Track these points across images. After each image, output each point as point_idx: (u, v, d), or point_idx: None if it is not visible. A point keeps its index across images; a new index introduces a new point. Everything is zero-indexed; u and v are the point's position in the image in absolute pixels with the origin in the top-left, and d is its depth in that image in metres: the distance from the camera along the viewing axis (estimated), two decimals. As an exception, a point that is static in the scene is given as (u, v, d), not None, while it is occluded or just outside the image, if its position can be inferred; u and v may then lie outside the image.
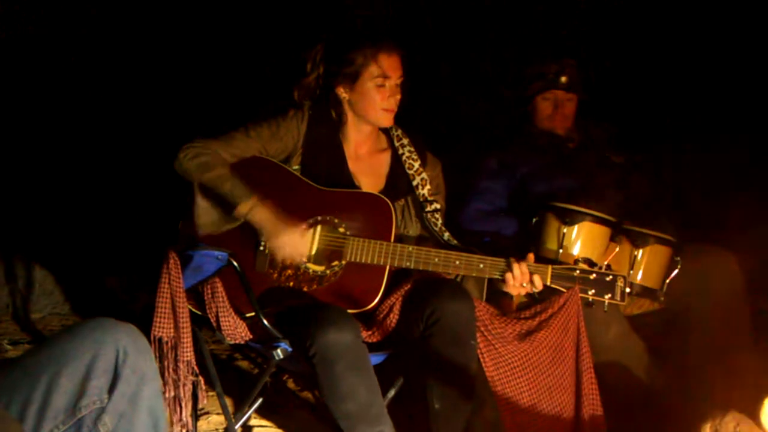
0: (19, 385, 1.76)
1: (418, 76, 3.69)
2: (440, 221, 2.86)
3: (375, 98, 2.80)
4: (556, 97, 3.26)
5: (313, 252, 2.72)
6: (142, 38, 3.94)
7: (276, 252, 2.68)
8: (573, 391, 2.66)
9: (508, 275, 2.63)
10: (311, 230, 2.72)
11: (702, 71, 3.75)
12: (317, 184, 2.78)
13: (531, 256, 2.67)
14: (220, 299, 2.57)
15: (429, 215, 2.86)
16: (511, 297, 2.71)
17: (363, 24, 3.41)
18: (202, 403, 2.54)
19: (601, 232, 2.84)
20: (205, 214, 2.70)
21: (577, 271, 2.66)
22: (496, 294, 2.73)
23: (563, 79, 3.24)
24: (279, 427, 2.93)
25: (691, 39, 3.75)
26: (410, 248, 2.68)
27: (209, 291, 2.58)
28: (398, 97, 2.81)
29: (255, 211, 2.66)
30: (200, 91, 3.96)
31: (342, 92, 2.84)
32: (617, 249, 2.89)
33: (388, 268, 2.68)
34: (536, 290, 2.65)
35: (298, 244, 2.67)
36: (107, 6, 3.90)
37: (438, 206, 2.88)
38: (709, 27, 3.69)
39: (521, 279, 2.62)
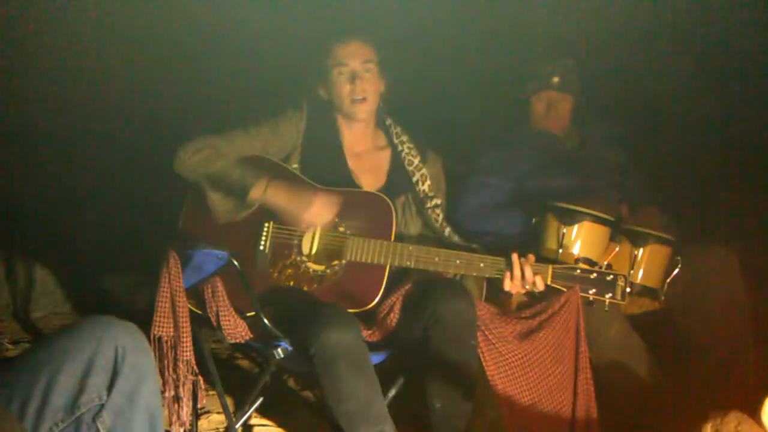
0: (18, 382, 1.77)
1: (418, 77, 3.71)
2: (441, 217, 2.87)
3: (338, 89, 2.83)
4: (550, 97, 3.27)
5: (314, 251, 2.72)
6: (143, 39, 3.94)
7: (307, 223, 2.67)
8: (572, 391, 2.66)
9: (507, 275, 2.63)
10: (310, 231, 2.71)
11: (702, 69, 3.75)
12: (317, 183, 2.78)
13: (531, 257, 2.67)
14: (221, 298, 2.57)
15: (430, 211, 2.87)
16: (510, 295, 2.71)
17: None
18: (203, 402, 2.54)
19: (600, 231, 2.84)
20: (220, 204, 2.71)
21: (578, 271, 2.66)
22: (496, 292, 2.73)
23: (555, 79, 3.25)
24: (279, 426, 2.93)
25: (690, 37, 3.75)
26: (410, 247, 2.68)
27: (209, 290, 2.58)
28: (363, 84, 2.82)
29: (269, 192, 2.65)
30: (200, 91, 3.96)
31: (322, 92, 2.88)
32: (617, 249, 2.89)
33: (388, 267, 2.68)
34: (537, 290, 2.65)
35: (324, 208, 2.67)
36: (109, 6, 3.90)
37: (438, 202, 2.88)
38: (708, 25, 3.69)
39: (520, 278, 2.62)
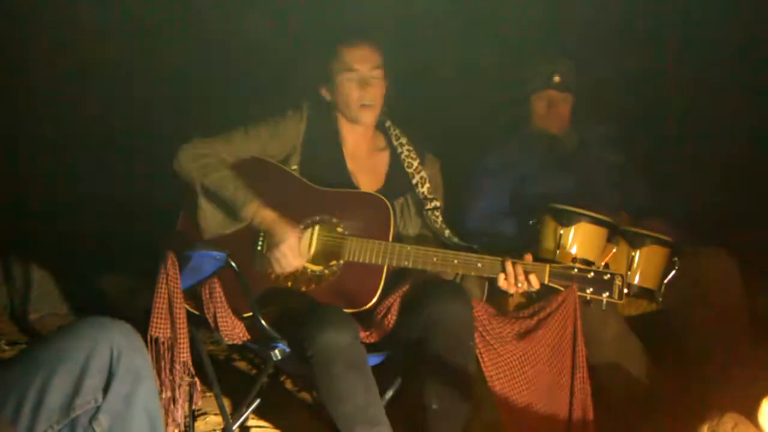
0: (13, 384, 1.77)
1: (418, 76, 3.71)
2: (440, 219, 2.87)
3: (347, 93, 2.82)
4: (550, 96, 3.26)
5: (312, 252, 2.72)
6: (143, 41, 3.95)
7: (276, 260, 2.66)
8: (569, 390, 2.66)
9: (501, 274, 2.63)
10: (308, 232, 2.72)
11: (701, 69, 3.75)
12: (316, 184, 2.78)
13: (529, 256, 2.67)
14: (218, 299, 2.57)
15: (429, 213, 2.87)
16: (509, 296, 2.72)
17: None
18: (199, 403, 2.54)
19: (598, 233, 2.84)
20: (210, 216, 2.71)
21: (575, 270, 2.66)
22: (497, 292, 2.73)
23: (556, 78, 3.24)
24: (276, 427, 2.93)
25: (691, 38, 3.76)
26: (408, 248, 2.68)
27: (207, 291, 2.58)
28: (372, 90, 2.82)
29: (258, 215, 2.66)
30: (199, 90, 3.96)
31: (325, 93, 2.87)
32: (614, 250, 2.89)
33: (386, 267, 2.68)
34: (533, 289, 2.65)
35: (295, 250, 2.66)
36: (108, 8, 3.90)
37: (438, 204, 2.89)
38: (708, 25, 3.69)
39: (513, 278, 2.62)
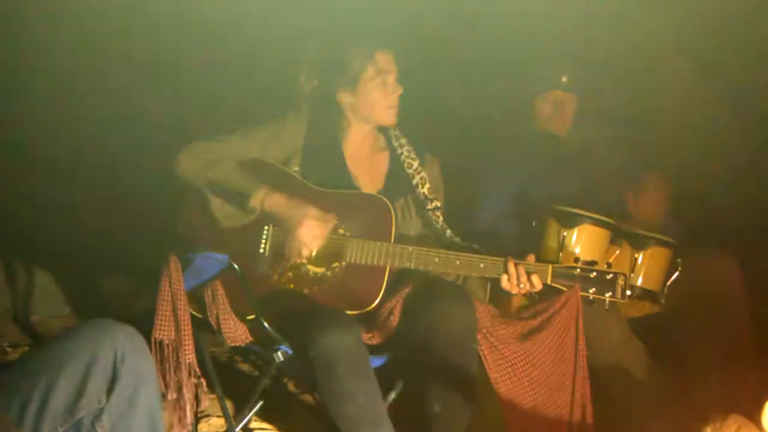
0: (18, 386, 1.78)
1: (419, 77, 3.70)
2: (441, 219, 2.87)
3: (378, 97, 2.82)
4: (556, 97, 3.26)
5: (314, 254, 2.72)
6: (141, 43, 3.94)
7: (298, 239, 2.65)
8: (571, 391, 2.66)
9: (503, 275, 2.63)
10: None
11: (705, 70, 3.75)
12: (317, 186, 2.78)
13: (531, 257, 2.67)
14: (221, 302, 2.57)
15: (430, 213, 2.87)
16: (512, 296, 2.71)
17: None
18: (203, 405, 2.54)
19: (601, 234, 2.84)
20: (221, 209, 2.71)
21: (578, 270, 2.66)
22: (499, 293, 2.73)
23: (563, 79, 3.24)
24: (279, 429, 2.93)
25: (694, 38, 3.75)
26: (410, 249, 2.68)
27: (210, 294, 2.58)
28: (400, 91, 2.84)
29: (268, 200, 2.65)
30: (200, 91, 3.96)
31: (343, 98, 2.85)
32: (617, 252, 2.89)
33: (388, 268, 2.68)
34: (535, 290, 2.65)
35: (318, 223, 2.66)
36: (105, 8, 3.90)
37: (438, 204, 2.89)
38: (708, 26, 3.69)
39: (515, 278, 2.62)
